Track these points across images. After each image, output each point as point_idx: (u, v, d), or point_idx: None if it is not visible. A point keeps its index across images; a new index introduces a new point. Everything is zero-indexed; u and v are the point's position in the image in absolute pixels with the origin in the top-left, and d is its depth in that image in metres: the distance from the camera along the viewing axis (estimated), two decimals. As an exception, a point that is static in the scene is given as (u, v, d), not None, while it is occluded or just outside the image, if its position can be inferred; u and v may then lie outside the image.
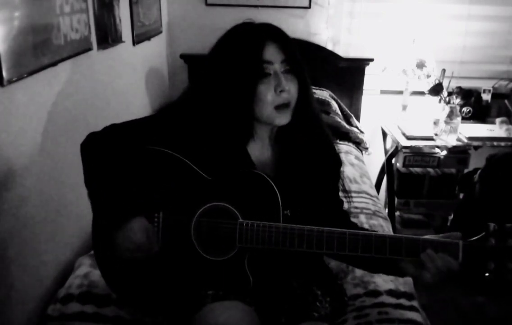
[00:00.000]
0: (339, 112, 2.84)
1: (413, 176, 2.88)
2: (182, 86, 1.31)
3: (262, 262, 1.13)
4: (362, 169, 2.51)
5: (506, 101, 2.96)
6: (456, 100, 2.76)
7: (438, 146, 2.73)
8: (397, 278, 1.48)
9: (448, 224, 2.95)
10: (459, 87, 2.84)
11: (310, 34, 2.95)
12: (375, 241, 1.06)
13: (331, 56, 2.93)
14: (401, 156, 2.80)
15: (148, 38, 2.49)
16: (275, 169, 1.20)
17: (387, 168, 2.90)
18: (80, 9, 1.63)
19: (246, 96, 1.10)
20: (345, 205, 1.31)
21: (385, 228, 1.90)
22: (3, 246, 1.26)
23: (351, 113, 2.92)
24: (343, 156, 2.51)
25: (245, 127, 1.15)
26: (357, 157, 2.64)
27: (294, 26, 2.92)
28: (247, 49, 1.10)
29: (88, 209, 1.19)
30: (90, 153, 1.16)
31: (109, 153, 1.14)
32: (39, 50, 1.36)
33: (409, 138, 2.70)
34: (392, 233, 1.90)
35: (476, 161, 2.78)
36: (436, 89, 2.76)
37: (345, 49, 3.00)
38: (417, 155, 2.79)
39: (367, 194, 2.17)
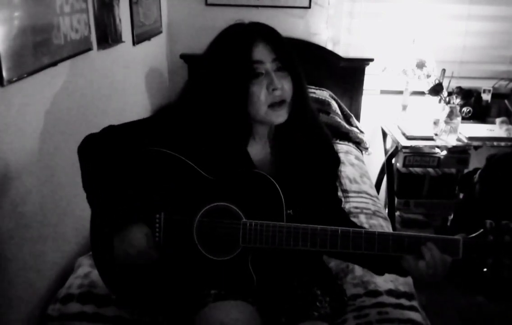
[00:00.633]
0: (339, 112, 2.84)
1: (413, 176, 2.88)
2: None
3: (265, 261, 1.13)
4: (362, 169, 2.51)
5: (506, 101, 2.96)
6: (456, 100, 2.75)
7: (438, 146, 2.73)
8: (397, 278, 1.48)
9: (448, 224, 2.95)
10: (459, 87, 2.84)
11: (310, 34, 2.95)
12: (378, 239, 1.06)
13: (331, 56, 2.93)
14: (401, 156, 2.80)
15: (148, 38, 2.49)
16: (274, 169, 1.20)
17: (387, 168, 2.90)
18: (80, 9, 1.63)
19: (239, 97, 1.10)
20: (343, 204, 1.31)
21: (385, 228, 1.90)
22: (3, 246, 1.26)
23: (351, 113, 2.92)
24: (343, 156, 2.53)
25: (242, 128, 1.15)
26: (357, 157, 2.64)
27: (294, 26, 2.92)
28: (236, 51, 1.10)
29: (88, 209, 1.20)
30: (88, 157, 1.16)
31: (108, 156, 1.14)
32: (39, 50, 1.36)
33: (409, 138, 2.70)
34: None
35: (476, 162, 2.78)
36: (436, 89, 2.76)
37: (345, 49, 3.00)
38: (417, 155, 2.79)
39: (367, 194, 2.17)
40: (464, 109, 2.89)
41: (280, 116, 1.13)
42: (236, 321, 1.05)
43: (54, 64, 1.45)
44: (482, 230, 1.06)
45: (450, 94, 2.79)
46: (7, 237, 1.27)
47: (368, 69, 2.96)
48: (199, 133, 1.15)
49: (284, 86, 1.11)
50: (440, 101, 2.81)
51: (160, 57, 2.85)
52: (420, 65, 2.74)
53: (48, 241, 1.49)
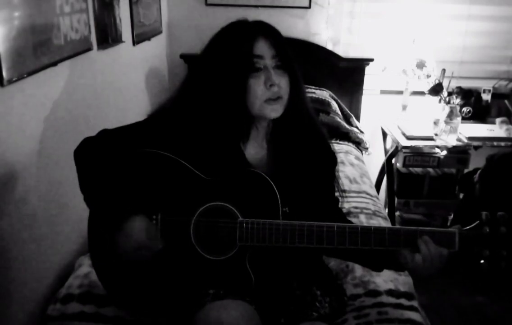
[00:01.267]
0: (339, 112, 2.84)
1: (413, 176, 2.88)
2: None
3: (263, 260, 1.13)
4: (362, 169, 2.51)
5: (506, 101, 2.96)
6: (456, 100, 2.76)
7: (438, 146, 2.73)
8: (397, 278, 1.48)
9: (448, 224, 2.95)
10: (459, 87, 2.84)
11: (310, 34, 2.95)
12: (374, 233, 1.07)
13: (331, 56, 2.93)
14: (401, 156, 2.80)
15: (148, 38, 2.49)
16: (270, 167, 1.20)
17: (387, 168, 2.90)
18: (80, 9, 1.63)
19: (237, 90, 1.11)
20: (340, 204, 1.31)
21: (385, 228, 1.90)
22: (3, 246, 1.26)
23: (351, 113, 2.92)
24: (343, 156, 2.54)
25: (239, 124, 1.16)
26: (357, 157, 2.64)
27: (294, 26, 2.92)
28: (238, 44, 1.12)
29: (88, 209, 1.20)
30: (85, 159, 1.16)
31: (104, 158, 1.14)
32: (39, 50, 1.36)
33: (409, 138, 2.70)
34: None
35: (476, 162, 2.78)
36: (436, 89, 2.76)
37: (345, 49, 3.00)
38: (417, 155, 2.79)
39: (367, 194, 2.17)
40: (464, 109, 2.89)
41: (274, 110, 1.13)
42: (236, 321, 1.05)
43: (54, 64, 1.45)
44: (478, 221, 1.06)
45: (450, 94, 2.79)
46: (7, 236, 1.27)
47: (368, 69, 2.96)
48: (195, 133, 1.15)
49: (281, 83, 1.12)
50: (440, 101, 2.81)
51: (160, 57, 2.85)
52: (420, 65, 2.74)
53: (48, 241, 1.49)
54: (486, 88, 2.96)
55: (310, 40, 2.94)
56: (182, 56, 2.87)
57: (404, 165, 2.82)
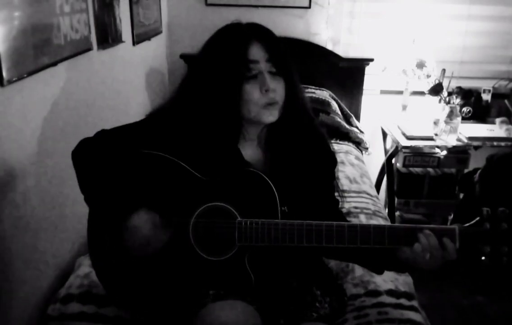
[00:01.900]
0: (339, 112, 2.84)
1: (413, 176, 2.88)
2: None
3: (262, 260, 1.13)
4: (362, 169, 2.51)
5: (506, 101, 2.96)
6: (456, 100, 2.76)
7: (438, 146, 2.73)
8: (397, 278, 1.48)
9: (448, 224, 2.95)
10: (459, 87, 2.84)
11: (310, 34, 2.95)
12: (374, 231, 1.06)
13: (331, 56, 2.93)
14: (401, 156, 2.80)
15: (148, 38, 2.49)
16: (268, 167, 1.20)
17: (387, 168, 2.90)
18: (80, 9, 1.63)
19: (232, 96, 1.10)
20: (340, 204, 1.31)
21: (385, 228, 1.90)
22: (3, 246, 1.26)
23: (351, 113, 2.92)
24: (343, 156, 2.54)
25: (234, 127, 1.15)
26: (357, 157, 2.64)
27: (294, 26, 2.92)
28: (232, 49, 1.11)
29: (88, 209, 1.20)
30: (83, 160, 1.16)
31: (102, 159, 1.14)
32: (39, 50, 1.36)
33: (409, 138, 2.70)
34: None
35: (476, 161, 2.78)
36: (436, 89, 2.76)
37: (345, 49, 3.00)
38: (417, 155, 2.79)
39: (367, 194, 2.17)
40: (464, 109, 2.89)
41: (271, 115, 1.13)
42: (236, 321, 1.05)
43: (54, 64, 1.45)
44: (478, 218, 1.05)
45: (450, 94, 2.79)
46: (7, 236, 1.27)
47: (368, 69, 2.96)
48: (192, 133, 1.15)
49: (277, 88, 1.12)
50: (440, 101, 2.81)
51: (160, 57, 2.85)
52: (420, 65, 2.75)
53: (48, 241, 1.49)
54: (486, 88, 2.96)
55: (310, 40, 2.94)
56: (182, 56, 2.87)
57: (404, 165, 2.82)
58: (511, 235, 1.03)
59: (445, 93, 2.78)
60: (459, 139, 2.69)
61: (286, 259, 1.18)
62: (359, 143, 2.85)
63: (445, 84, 2.78)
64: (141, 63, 2.46)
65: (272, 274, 1.17)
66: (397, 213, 2.96)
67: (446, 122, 2.69)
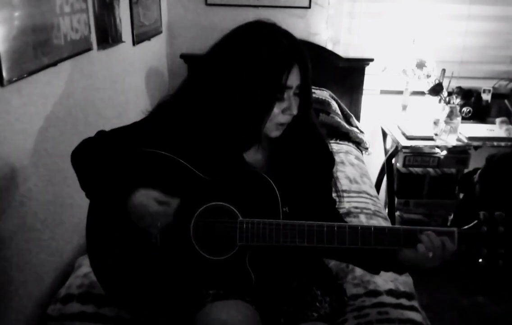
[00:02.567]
0: (339, 112, 2.84)
1: (413, 176, 2.88)
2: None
3: (263, 260, 1.13)
4: (362, 169, 2.51)
5: (506, 101, 2.96)
6: (456, 100, 2.75)
7: (438, 146, 2.73)
8: (397, 278, 1.48)
9: (448, 224, 2.95)
10: (459, 87, 2.84)
11: (310, 34, 2.95)
12: (374, 233, 1.07)
13: (331, 56, 2.93)
14: (401, 156, 2.80)
15: (148, 38, 2.49)
16: (269, 168, 1.20)
17: (387, 168, 2.90)
18: (80, 9, 1.63)
19: (259, 115, 1.08)
20: (337, 204, 1.30)
21: (385, 228, 1.90)
22: (4, 246, 1.26)
23: (351, 113, 2.92)
24: (343, 156, 2.54)
25: (251, 140, 1.15)
26: (357, 157, 2.64)
27: (294, 26, 2.92)
28: (272, 72, 1.05)
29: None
30: (83, 161, 1.15)
31: (103, 158, 1.13)
32: (39, 50, 1.36)
33: (409, 138, 2.70)
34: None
35: (476, 161, 2.78)
36: (436, 89, 2.76)
37: (345, 49, 3.00)
38: (417, 155, 2.79)
39: (367, 194, 2.17)
40: (464, 109, 2.89)
41: (279, 132, 1.13)
42: (236, 321, 1.05)
43: (54, 64, 1.45)
44: (476, 221, 1.07)
45: (450, 94, 2.79)
46: (7, 237, 1.27)
47: (368, 69, 2.96)
48: (197, 134, 1.14)
49: (296, 110, 1.11)
50: (440, 101, 2.81)
51: (160, 57, 2.85)
52: (420, 65, 2.74)
53: (48, 241, 1.49)
54: (486, 88, 2.96)
55: (310, 40, 2.94)
56: (182, 56, 2.87)
57: (404, 165, 2.82)
58: (507, 237, 1.05)
59: (445, 93, 2.78)
60: (459, 139, 2.69)
61: (287, 259, 1.18)
62: (359, 143, 2.85)
63: (445, 84, 2.78)
64: (141, 63, 2.46)
65: (273, 274, 1.18)
66: (397, 213, 2.96)
67: (446, 122, 2.69)
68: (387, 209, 2.86)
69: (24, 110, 1.33)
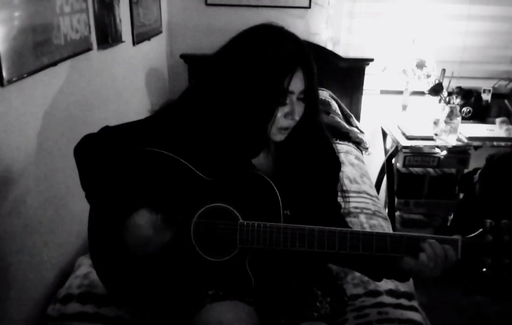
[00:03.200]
0: (339, 112, 2.84)
1: (413, 176, 2.88)
2: (182, 86, 1.29)
3: (263, 262, 1.13)
4: (362, 169, 2.51)
5: (506, 101, 2.96)
6: (456, 100, 2.76)
7: (438, 146, 2.73)
8: (397, 278, 1.48)
9: (448, 224, 2.95)
10: (459, 87, 2.84)
11: (310, 34, 2.95)
12: (376, 239, 1.06)
13: (331, 56, 2.93)
14: (401, 156, 2.80)
15: (148, 38, 2.49)
16: (272, 169, 1.19)
17: (387, 168, 2.90)
18: (80, 9, 1.63)
19: (261, 118, 1.08)
20: (343, 205, 1.30)
21: (385, 228, 1.90)
22: (3, 246, 1.26)
23: (351, 113, 2.92)
24: (343, 156, 2.54)
25: (257, 145, 1.15)
26: (357, 157, 2.64)
27: (294, 26, 2.87)
28: (275, 75, 1.05)
29: (88, 208, 1.19)
30: (86, 156, 1.15)
31: (106, 155, 1.14)
32: (39, 50, 1.36)
33: (409, 138, 2.70)
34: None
35: (476, 162, 2.78)
36: (436, 89, 2.76)
37: (345, 49, 3.00)
38: (417, 155, 2.79)
39: (367, 194, 2.17)
40: (464, 109, 2.90)
41: (282, 136, 1.13)
42: (234, 321, 1.05)
43: (54, 64, 1.45)
44: (481, 229, 1.05)
45: (450, 94, 2.79)
46: (7, 237, 1.27)
47: (368, 69, 2.96)
48: (201, 135, 1.14)
49: (299, 114, 1.10)
50: (440, 101, 2.81)
51: (160, 57, 2.85)
52: (420, 65, 2.75)
53: (48, 241, 1.49)
54: (486, 88, 2.96)
55: (310, 40, 2.93)
56: (182, 56, 2.87)
57: (404, 165, 2.82)
58: None
59: (445, 93, 2.78)
60: (459, 139, 2.69)
61: (287, 263, 1.18)
62: (359, 143, 2.85)
63: (445, 84, 2.78)
64: (141, 63, 2.46)
65: (273, 277, 1.17)
66: (397, 213, 2.96)
67: (446, 122, 2.69)
68: (387, 209, 2.86)
69: (24, 110, 1.33)
